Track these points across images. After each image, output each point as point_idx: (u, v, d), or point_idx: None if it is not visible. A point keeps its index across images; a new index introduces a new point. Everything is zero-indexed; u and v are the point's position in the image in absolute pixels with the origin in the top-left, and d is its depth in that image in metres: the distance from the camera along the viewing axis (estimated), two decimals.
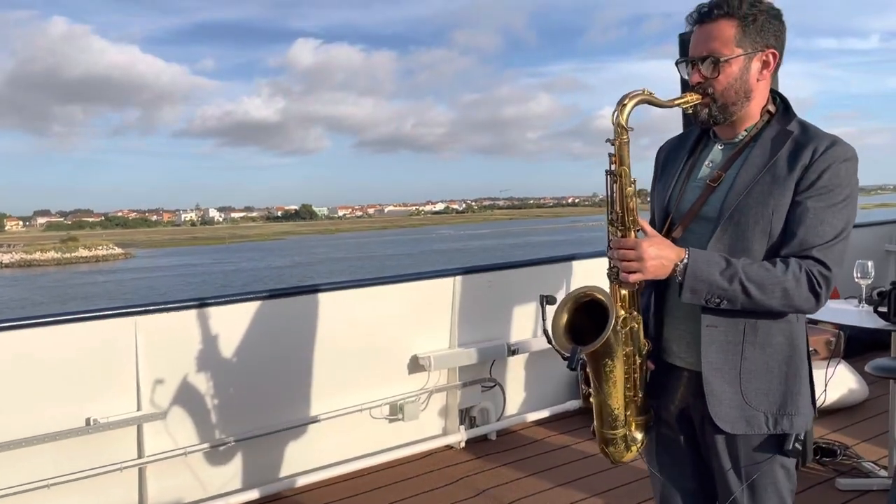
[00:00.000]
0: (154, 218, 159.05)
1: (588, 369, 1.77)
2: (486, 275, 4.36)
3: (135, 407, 3.27)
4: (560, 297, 1.75)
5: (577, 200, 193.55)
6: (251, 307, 3.55)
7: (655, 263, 1.64)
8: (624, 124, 1.68)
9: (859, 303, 3.57)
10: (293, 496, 3.62)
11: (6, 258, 68.86)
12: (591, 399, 1.81)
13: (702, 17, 1.74)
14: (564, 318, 1.72)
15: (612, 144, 1.69)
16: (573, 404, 4.61)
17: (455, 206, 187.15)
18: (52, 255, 69.90)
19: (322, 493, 3.64)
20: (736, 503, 1.77)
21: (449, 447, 4.17)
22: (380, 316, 3.97)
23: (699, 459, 1.87)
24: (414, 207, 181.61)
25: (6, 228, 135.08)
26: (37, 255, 69.78)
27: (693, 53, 1.75)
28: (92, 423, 3.14)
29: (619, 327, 1.71)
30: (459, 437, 4.17)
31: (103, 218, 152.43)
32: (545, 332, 1.69)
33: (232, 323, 3.51)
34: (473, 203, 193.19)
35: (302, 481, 3.68)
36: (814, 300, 1.66)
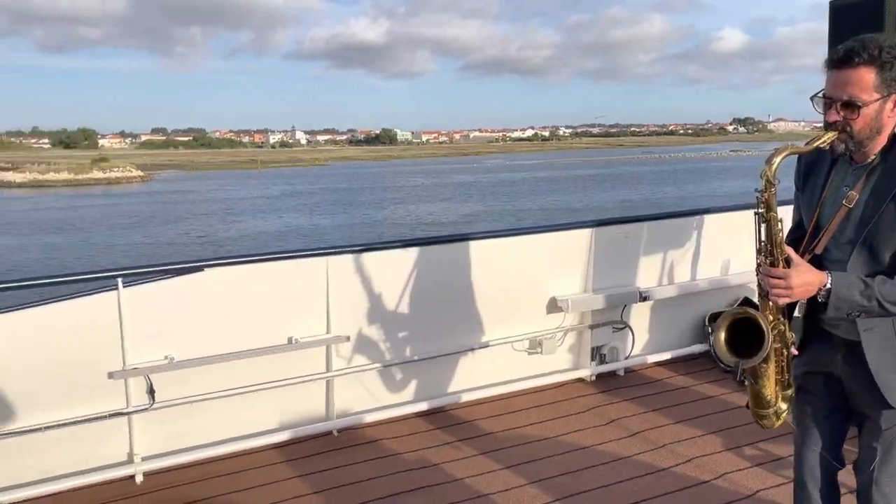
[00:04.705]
0: (245, 139, 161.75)
1: (746, 369, 2.08)
2: (622, 226, 4.72)
3: (324, 330, 3.87)
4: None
5: (678, 128, 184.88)
6: (416, 251, 4.11)
7: (802, 290, 1.94)
8: (771, 179, 1.94)
9: None
10: (451, 410, 4.23)
11: (19, 178, 67.26)
12: (747, 385, 2.15)
13: (842, 62, 1.90)
14: (723, 335, 2.04)
15: (762, 194, 1.96)
16: (696, 348, 4.93)
17: (544, 133, 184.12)
18: (65, 175, 68.62)
19: (471, 411, 4.21)
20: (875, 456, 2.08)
21: (580, 380, 4.65)
22: (524, 261, 4.42)
23: (834, 417, 2.18)
24: (501, 134, 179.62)
25: (103, 145, 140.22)
26: (49, 176, 68.12)
27: (832, 95, 1.93)
28: (293, 342, 3.76)
29: (771, 337, 2.02)
30: (590, 371, 4.64)
31: (191, 138, 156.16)
32: (712, 350, 2.02)
33: (400, 264, 4.06)
34: (567, 130, 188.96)
35: (460, 399, 4.29)
36: None
